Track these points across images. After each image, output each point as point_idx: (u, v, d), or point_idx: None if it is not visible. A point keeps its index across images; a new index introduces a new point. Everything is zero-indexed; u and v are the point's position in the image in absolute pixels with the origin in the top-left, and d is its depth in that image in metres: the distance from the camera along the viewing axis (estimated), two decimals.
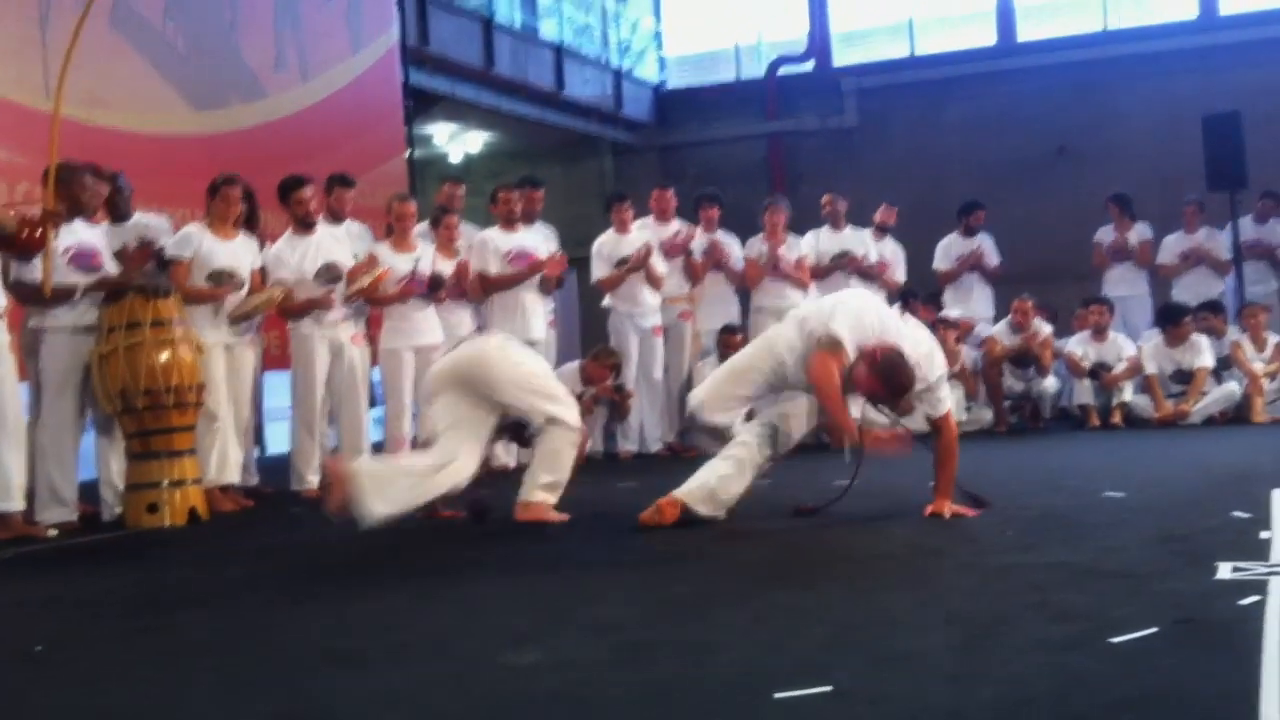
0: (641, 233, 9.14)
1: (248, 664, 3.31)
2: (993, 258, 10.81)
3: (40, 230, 5.86)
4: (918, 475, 6.92)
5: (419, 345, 7.82)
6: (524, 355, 5.99)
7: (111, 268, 6.51)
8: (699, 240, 9.46)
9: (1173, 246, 10.83)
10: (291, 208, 7.41)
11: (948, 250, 10.85)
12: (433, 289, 7.87)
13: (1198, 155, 11.45)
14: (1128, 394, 9.81)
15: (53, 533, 6.08)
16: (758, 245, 9.65)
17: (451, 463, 5.42)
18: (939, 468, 5.44)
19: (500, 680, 3.03)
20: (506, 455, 8.18)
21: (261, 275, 7.23)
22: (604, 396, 8.76)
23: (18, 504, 5.95)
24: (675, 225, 9.44)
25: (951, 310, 10.59)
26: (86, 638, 3.80)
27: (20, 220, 5.90)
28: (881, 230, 10.36)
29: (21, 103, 8.30)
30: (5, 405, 5.85)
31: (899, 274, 10.44)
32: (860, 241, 10.08)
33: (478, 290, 8.31)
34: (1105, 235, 10.97)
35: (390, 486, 5.22)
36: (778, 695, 2.75)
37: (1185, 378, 9.72)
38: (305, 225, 7.42)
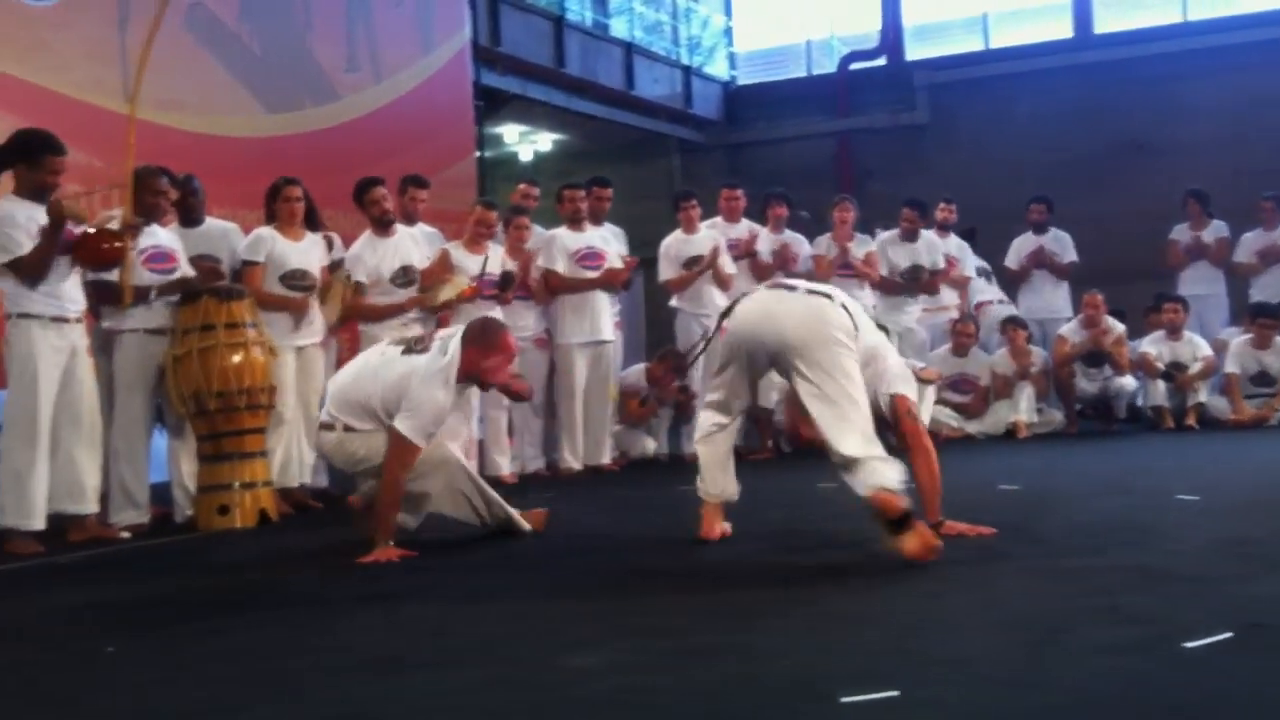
0: (709, 232, 9.11)
1: (304, 668, 3.34)
2: (1066, 254, 10.66)
3: (120, 241, 5.95)
4: (983, 478, 6.87)
5: None
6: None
7: (186, 269, 6.59)
8: (766, 240, 9.42)
9: (1250, 244, 10.60)
10: (367, 208, 7.48)
11: (1019, 248, 10.74)
12: (503, 286, 7.91)
13: (1277, 150, 11.24)
14: (1203, 395, 9.63)
15: (126, 534, 6.17)
16: (825, 244, 9.60)
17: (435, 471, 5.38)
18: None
19: (554, 684, 3.03)
20: (573, 460, 8.21)
21: (330, 271, 7.29)
22: (669, 398, 8.78)
23: (92, 506, 6.05)
24: (743, 225, 9.41)
25: (1025, 308, 10.49)
26: (150, 640, 3.86)
27: (100, 231, 5.99)
28: (943, 228, 10.27)
29: (100, 105, 8.47)
30: (82, 407, 5.96)
31: (968, 270, 10.34)
32: (932, 250, 9.95)
33: (544, 290, 8.33)
34: (1181, 233, 10.77)
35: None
36: (843, 700, 2.74)
37: (1267, 380, 9.53)
38: (383, 225, 7.48)
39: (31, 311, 5.77)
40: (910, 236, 9.92)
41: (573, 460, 8.29)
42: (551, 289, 8.34)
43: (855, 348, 4.68)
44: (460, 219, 8.41)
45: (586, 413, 8.43)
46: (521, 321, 8.18)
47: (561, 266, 8.32)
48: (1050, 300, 10.59)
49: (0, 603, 4.72)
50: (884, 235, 10.01)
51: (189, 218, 6.98)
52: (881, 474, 4.36)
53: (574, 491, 6.00)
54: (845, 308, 4.78)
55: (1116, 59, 16.33)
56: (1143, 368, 9.74)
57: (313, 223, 7.25)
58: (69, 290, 5.92)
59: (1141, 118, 16.05)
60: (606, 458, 8.52)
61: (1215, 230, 10.64)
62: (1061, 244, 10.70)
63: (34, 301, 5.78)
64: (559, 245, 8.37)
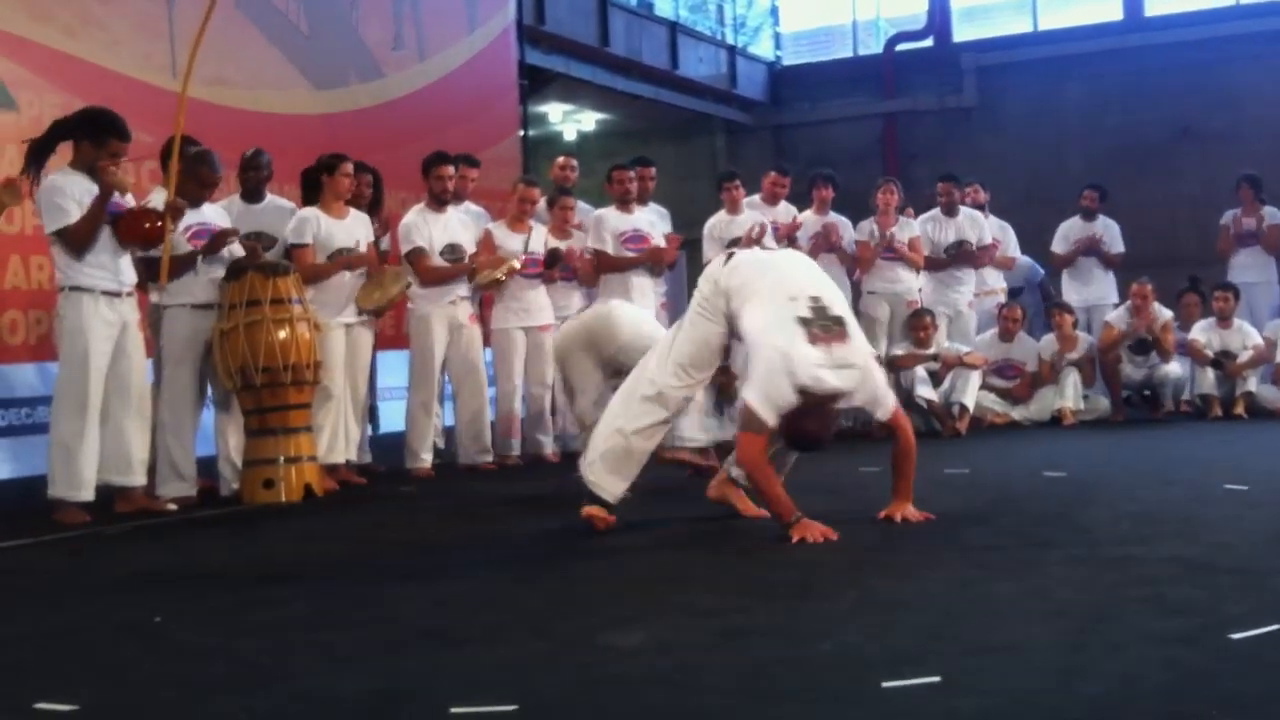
0: (753, 213, 9.08)
1: (349, 640, 3.37)
2: (1114, 244, 10.57)
3: (161, 221, 6.00)
4: (1028, 465, 6.84)
5: (530, 325, 7.87)
6: (644, 319, 6.44)
7: (233, 245, 6.63)
8: (811, 220, 9.39)
9: None
10: (431, 182, 7.56)
11: (1066, 234, 10.65)
12: (549, 264, 7.91)
13: None
14: (1252, 384, 9.52)
15: (172, 507, 6.22)
16: (868, 227, 9.55)
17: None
18: (896, 469, 5.03)
19: (597, 662, 3.05)
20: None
21: (377, 250, 7.34)
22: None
23: (139, 479, 6.12)
24: (783, 208, 9.37)
25: (1071, 295, 10.40)
26: (199, 610, 3.90)
27: (142, 210, 6.05)
28: (978, 210, 10.20)
29: (149, 81, 8.52)
30: (131, 381, 6.02)
31: (1011, 251, 10.26)
32: (975, 225, 9.90)
33: (591, 271, 8.32)
34: (1231, 219, 10.64)
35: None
36: (885, 684, 2.74)
37: None
38: (440, 202, 7.54)
39: (84, 285, 5.84)
40: (950, 211, 9.86)
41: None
42: (600, 269, 8.32)
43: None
44: (504, 197, 8.43)
45: None
46: (564, 301, 8.19)
47: (609, 247, 8.29)
48: (1097, 288, 10.50)
49: (48, 572, 4.79)
50: (924, 215, 9.95)
51: (251, 193, 7.03)
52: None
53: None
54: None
55: (1167, 42, 16.13)
56: (1191, 355, 9.64)
57: (376, 207, 7.39)
58: (122, 264, 5.98)
59: (1192, 102, 15.86)
60: None
61: (1268, 216, 10.49)
62: (1110, 233, 10.60)
63: (87, 275, 5.84)
64: (607, 226, 8.35)
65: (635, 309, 6.73)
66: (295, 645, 3.35)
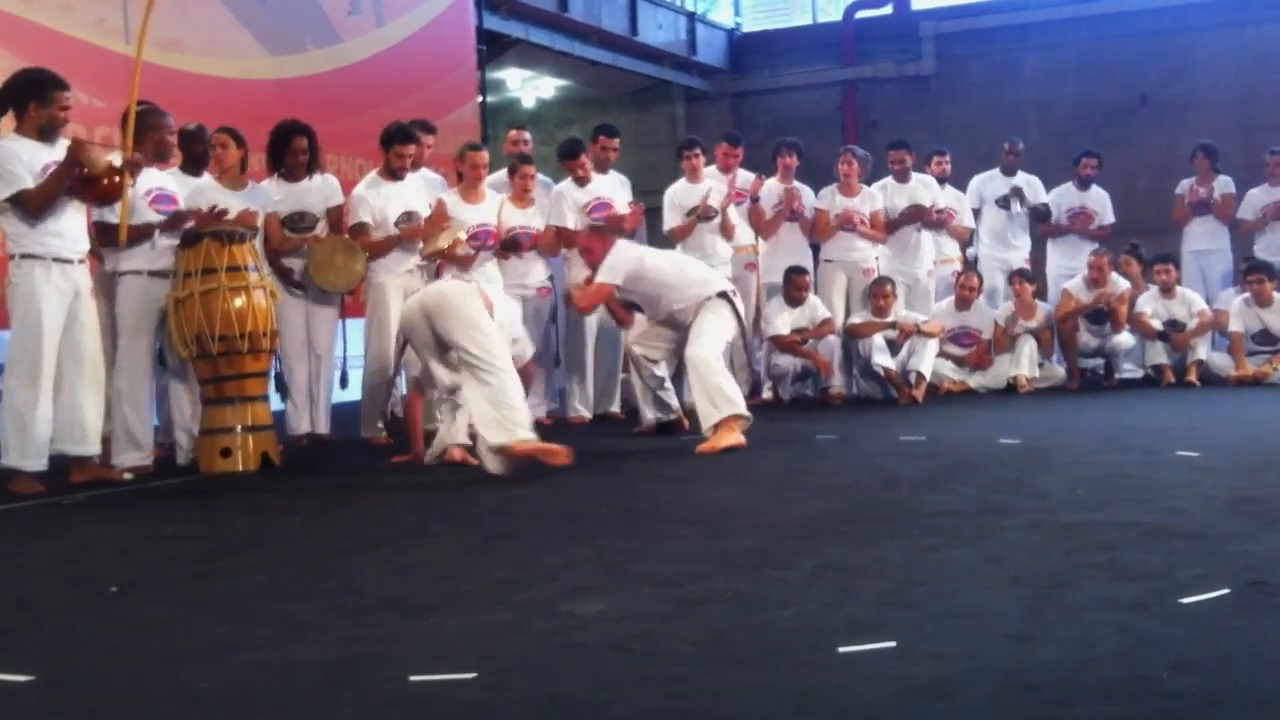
0: (714, 182, 9.06)
1: (309, 609, 3.36)
2: (1104, 215, 10.64)
3: (119, 177, 5.93)
4: (984, 432, 6.89)
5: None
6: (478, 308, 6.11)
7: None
8: (775, 187, 9.38)
9: (1256, 200, 10.54)
10: (391, 158, 7.55)
11: (1058, 202, 10.69)
12: (506, 247, 7.90)
13: None
14: (1202, 352, 9.63)
15: (128, 476, 6.18)
16: (828, 195, 9.55)
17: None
18: None
19: (558, 630, 3.05)
20: (584, 408, 8.26)
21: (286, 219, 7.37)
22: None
23: (94, 448, 6.06)
24: (741, 175, 9.35)
25: (1060, 259, 10.47)
26: (156, 580, 3.88)
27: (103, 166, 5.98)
28: (938, 180, 10.23)
29: (101, 45, 8.40)
30: (85, 349, 5.94)
31: (966, 220, 10.31)
32: (928, 192, 9.94)
33: (553, 244, 8.29)
34: (1186, 188, 10.71)
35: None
36: (842, 650, 2.76)
37: (1269, 339, 9.52)
38: (395, 177, 7.53)
39: (34, 252, 5.76)
40: (902, 178, 9.90)
41: (583, 409, 8.30)
42: (564, 243, 8.29)
43: None
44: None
45: (596, 362, 8.44)
46: (527, 271, 8.16)
47: (571, 221, 8.25)
48: (1084, 255, 10.50)
49: (3, 543, 4.74)
50: (877, 182, 9.97)
51: (196, 166, 6.96)
52: None
53: (582, 440, 6.03)
54: None
55: (1124, 11, 16.14)
56: (1139, 329, 9.73)
57: (313, 167, 7.33)
58: (72, 231, 5.90)
59: (1148, 71, 15.91)
60: (615, 405, 8.53)
61: (1221, 185, 10.57)
62: (1102, 204, 10.67)
63: (37, 242, 5.76)
64: (568, 201, 8.32)
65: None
66: (255, 615, 3.34)
